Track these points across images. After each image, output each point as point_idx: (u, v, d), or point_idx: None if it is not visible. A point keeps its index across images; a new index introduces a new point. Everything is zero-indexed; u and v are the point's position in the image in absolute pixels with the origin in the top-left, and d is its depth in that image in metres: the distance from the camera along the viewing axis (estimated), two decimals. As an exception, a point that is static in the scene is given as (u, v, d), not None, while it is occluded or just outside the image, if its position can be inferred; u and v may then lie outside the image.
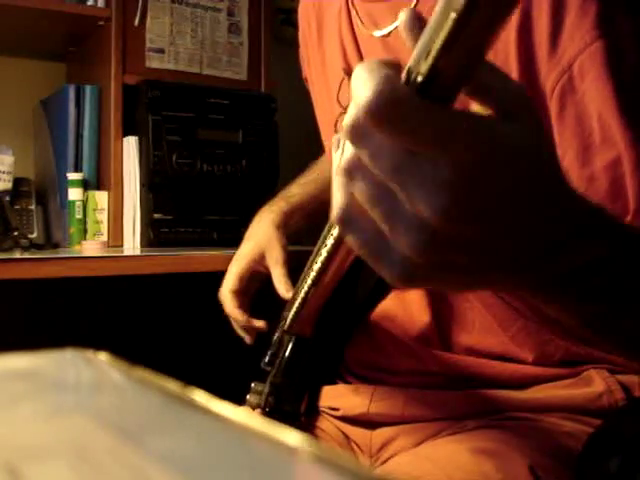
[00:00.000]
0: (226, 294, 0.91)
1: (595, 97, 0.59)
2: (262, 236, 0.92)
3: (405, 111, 0.33)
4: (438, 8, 0.31)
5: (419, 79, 0.33)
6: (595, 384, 0.71)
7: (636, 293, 0.47)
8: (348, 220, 0.39)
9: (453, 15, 0.30)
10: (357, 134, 0.35)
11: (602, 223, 0.43)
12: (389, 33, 0.74)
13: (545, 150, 0.39)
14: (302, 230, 0.98)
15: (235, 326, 0.93)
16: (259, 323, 0.89)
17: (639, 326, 0.48)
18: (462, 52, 0.32)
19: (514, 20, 0.63)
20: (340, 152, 0.39)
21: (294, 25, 2.17)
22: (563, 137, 0.61)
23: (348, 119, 0.35)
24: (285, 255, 0.89)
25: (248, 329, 0.91)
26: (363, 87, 0.33)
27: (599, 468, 0.67)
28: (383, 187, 0.36)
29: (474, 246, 0.37)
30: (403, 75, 0.34)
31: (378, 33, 0.76)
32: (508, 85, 0.37)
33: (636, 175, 0.57)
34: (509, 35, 0.63)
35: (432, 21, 0.32)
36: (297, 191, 1.01)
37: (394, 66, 0.35)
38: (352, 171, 0.37)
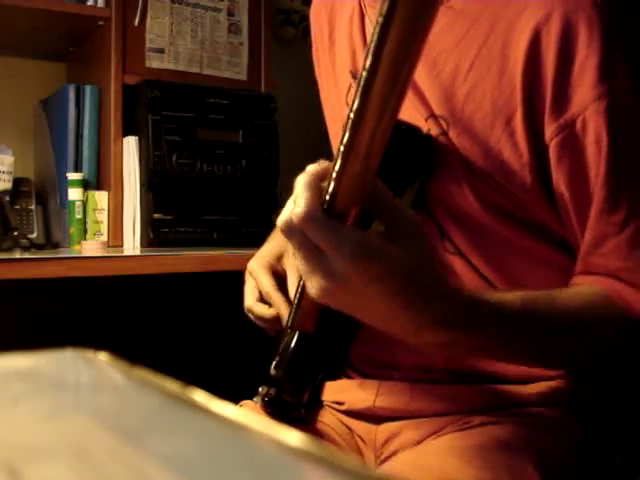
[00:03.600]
0: (259, 270, 0.87)
1: (594, 157, 0.65)
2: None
3: (315, 228, 0.51)
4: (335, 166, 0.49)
5: (324, 204, 0.51)
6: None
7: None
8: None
9: (337, 168, 0.49)
10: (287, 230, 0.53)
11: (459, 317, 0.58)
12: None
13: (421, 271, 0.54)
14: None
15: (257, 318, 0.89)
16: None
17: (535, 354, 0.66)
18: (348, 192, 0.50)
19: (522, 53, 0.66)
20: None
21: (294, 25, 2.18)
22: (559, 182, 0.68)
23: (281, 218, 0.53)
24: None
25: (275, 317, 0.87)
26: (296, 202, 0.52)
27: (600, 465, 0.67)
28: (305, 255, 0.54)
29: (350, 308, 0.57)
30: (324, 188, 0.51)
31: None
32: (401, 214, 0.53)
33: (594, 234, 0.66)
34: (516, 69, 0.66)
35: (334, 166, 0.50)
36: None
37: (323, 173, 0.53)
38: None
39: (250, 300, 0.88)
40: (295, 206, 0.52)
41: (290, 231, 0.53)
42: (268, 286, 0.85)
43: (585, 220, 0.67)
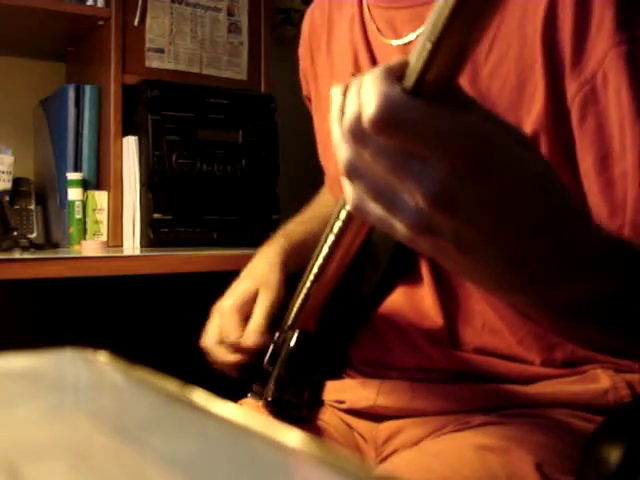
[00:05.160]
0: (227, 309, 0.83)
1: (616, 107, 0.61)
2: (260, 273, 0.86)
3: (407, 117, 0.36)
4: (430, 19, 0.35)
5: (413, 77, 0.37)
6: (601, 381, 0.71)
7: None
8: (361, 209, 0.43)
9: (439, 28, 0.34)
10: (359, 137, 0.39)
11: (616, 257, 0.46)
12: (409, 42, 0.73)
13: (551, 179, 0.42)
14: (303, 267, 0.91)
15: (219, 357, 0.86)
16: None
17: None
18: (453, 45, 0.35)
19: (539, 22, 0.65)
20: (339, 108, 0.41)
21: (294, 25, 2.18)
22: (582, 144, 0.64)
23: (348, 123, 0.39)
24: (276, 299, 0.83)
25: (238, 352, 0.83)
26: (367, 98, 0.37)
27: (600, 465, 0.67)
28: (384, 181, 0.40)
29: (460, 236, 0.41)
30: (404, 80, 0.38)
31: (396, 42, 0.75)
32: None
33: (636, 187, 0.60)
34: (535, 38, 0.65)
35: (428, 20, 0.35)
36: (298, 229, 0.95)
37: (398, 68, 0.38)
38: (355, 169, 0.41)
39: (211, 340, 0.86)
40: (359, 105, 0.38)
41: (358, 138, 0.39)
42: (232, 331, 0.82)
43: (608, 182, 0.62)
